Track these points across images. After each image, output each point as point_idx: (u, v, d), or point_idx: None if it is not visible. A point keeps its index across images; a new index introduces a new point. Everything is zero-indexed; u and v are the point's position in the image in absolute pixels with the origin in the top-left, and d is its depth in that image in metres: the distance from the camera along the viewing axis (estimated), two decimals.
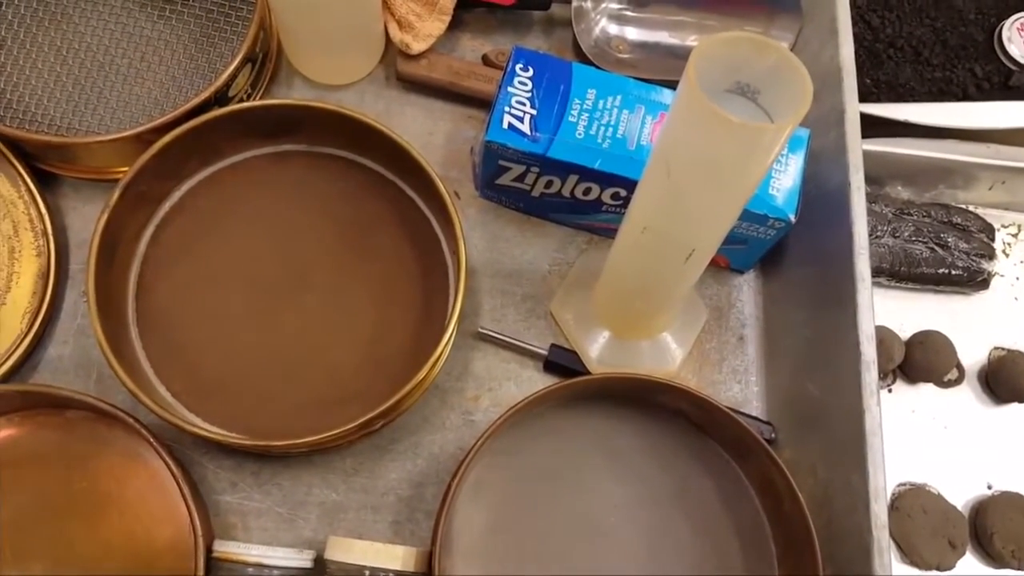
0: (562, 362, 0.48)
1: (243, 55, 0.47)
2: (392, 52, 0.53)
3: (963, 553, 0.49)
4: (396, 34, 0.51)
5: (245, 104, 0.47)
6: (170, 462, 0.41)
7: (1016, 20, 0.57)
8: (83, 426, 0.43)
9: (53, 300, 0.46)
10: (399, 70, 0.52)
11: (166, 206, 0.48)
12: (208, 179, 0.49)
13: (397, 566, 0.39)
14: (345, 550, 0.40)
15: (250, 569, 0.39)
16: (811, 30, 0.52)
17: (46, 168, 0.48)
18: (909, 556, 0.48)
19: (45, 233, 0.46)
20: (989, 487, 0.52)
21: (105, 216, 0.43)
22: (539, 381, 0.48)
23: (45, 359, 0.46)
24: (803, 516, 0.41)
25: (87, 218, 0.48)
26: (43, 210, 0.46)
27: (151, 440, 0.41)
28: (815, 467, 0.44)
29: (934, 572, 0.49)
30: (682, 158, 0.33)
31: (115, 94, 0.50)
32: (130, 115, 0.49)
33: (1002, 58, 0.57)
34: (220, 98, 0.47)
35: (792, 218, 0.45)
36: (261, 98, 0.51)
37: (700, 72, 0.29)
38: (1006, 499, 0.50)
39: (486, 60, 0.54)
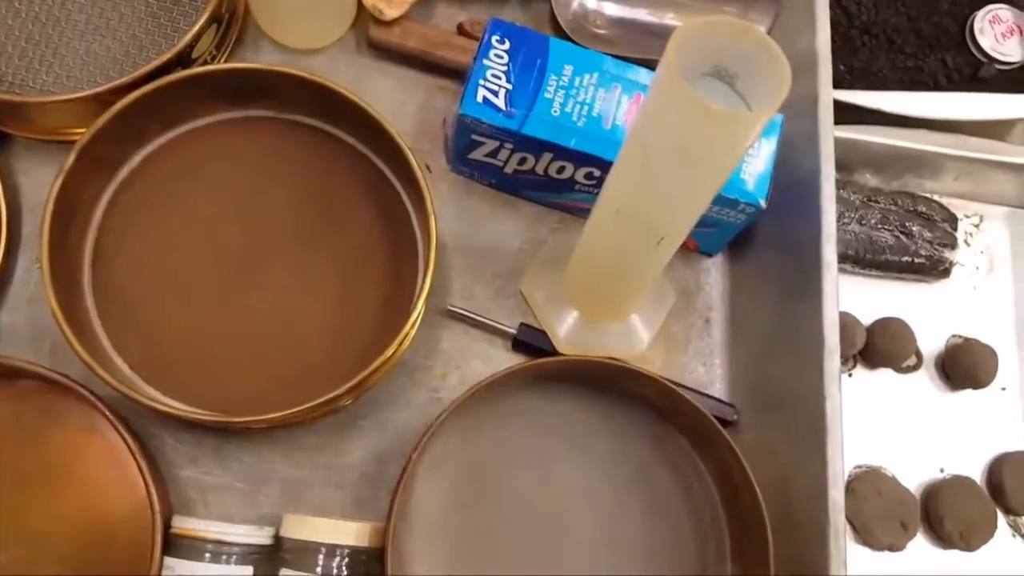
0: (531, 341, 0.47)
1: (208, 15, 0.45)
2: (364, 17, 0.52)
3: (914, 535, 0.50)
4: None
5: (209, 67, 0.45)
6: (126, 436, 0.40)
7: (988, 12, 0.58)
8: (35, 397, 0.42)
9: (4, 266, 0.44)
10: (371, 36, 0.51)
11: (125, 171, 0.46)
12: (170, 144, 0.47)
13: (350, 541, 0.39)
14: (299, 527, 0.39)
15: (209, 545, 0.38)
16: (788, 14, 0.51)
17: None
18: (863, 536, 0.50)
19: None
20: (941, 471, 0.53)
21: (60, 180, 0.41)
22: (507, 360, 0.48)
23: None
24: (759, 510, 0.42)
25: (41, 180, 0.46)
26: None
27: (106, 413, 0.40)
28: (775, 450, 0.45)
29: (886, 552, 0.50)
30: (658, 141, 0.33)
31: (72, 51, 0.47)
32: (87, 74, 0.47)
33: (972, 50, 0.57)
34: (183, 60, 0.45)
35: (762, 203, 0.45)
36: (226, 61, 0.49)
37: (680, 55, 0.29)
38: (957, 483, 0.51)
39: (461, 30, 0.53)
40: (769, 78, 0.30)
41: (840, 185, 0.54)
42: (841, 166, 0.55)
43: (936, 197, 0.57)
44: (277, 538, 0.41)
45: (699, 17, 0.30)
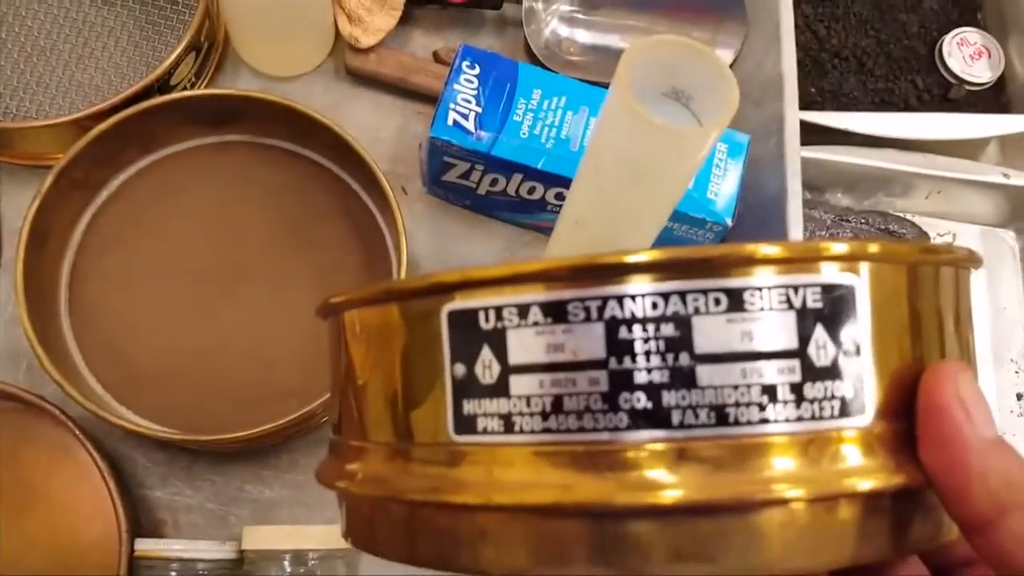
0: None
1: (187, 43, 0.47)
2: (342, 45, 0.53)
3: None
4: (345, 27, 0.51)
5: (185, 93, 0.46)
6: (97, 456, 0.40)
7: (956, 35, 0.58)
8: (10, 418, 0.42)
9: None
10: (347, 63, 0.52)
11: (103, 194, 0.47)
12: (148, 168, 0.48)
13: (315, 544, 0.39)
14: (259, 537, 0.39)
15: (173, 564, 0.38)
16: (756, 37, 0.52)
17: None
18: None
19: None
20: None
21: (36, 203, 0.42)
22: None
23: None
24: None
25: (22, 205, 0.47)
26: None
27: (78, 433, 0.40)
28: None
29: None
30: (608, 155, 0.33)
31: (55, 80, 0.49)
32: (70, 102, 0.48)
33: (942, 71, 0.58)
34: (162, 86, 0.47)
35: (729, 222, 0.45)
36: (206, 88, 0.50)
37: (633, 74, 0.30)
38: None
39: (436, 57, 0.54)
40: (716, 95, 0.30)
41: (811, 205, 0.55)
42: (812, 186, 0.55)
43: (908, 216, 0.57)
44: (241, 553, 0.41)
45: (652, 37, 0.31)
